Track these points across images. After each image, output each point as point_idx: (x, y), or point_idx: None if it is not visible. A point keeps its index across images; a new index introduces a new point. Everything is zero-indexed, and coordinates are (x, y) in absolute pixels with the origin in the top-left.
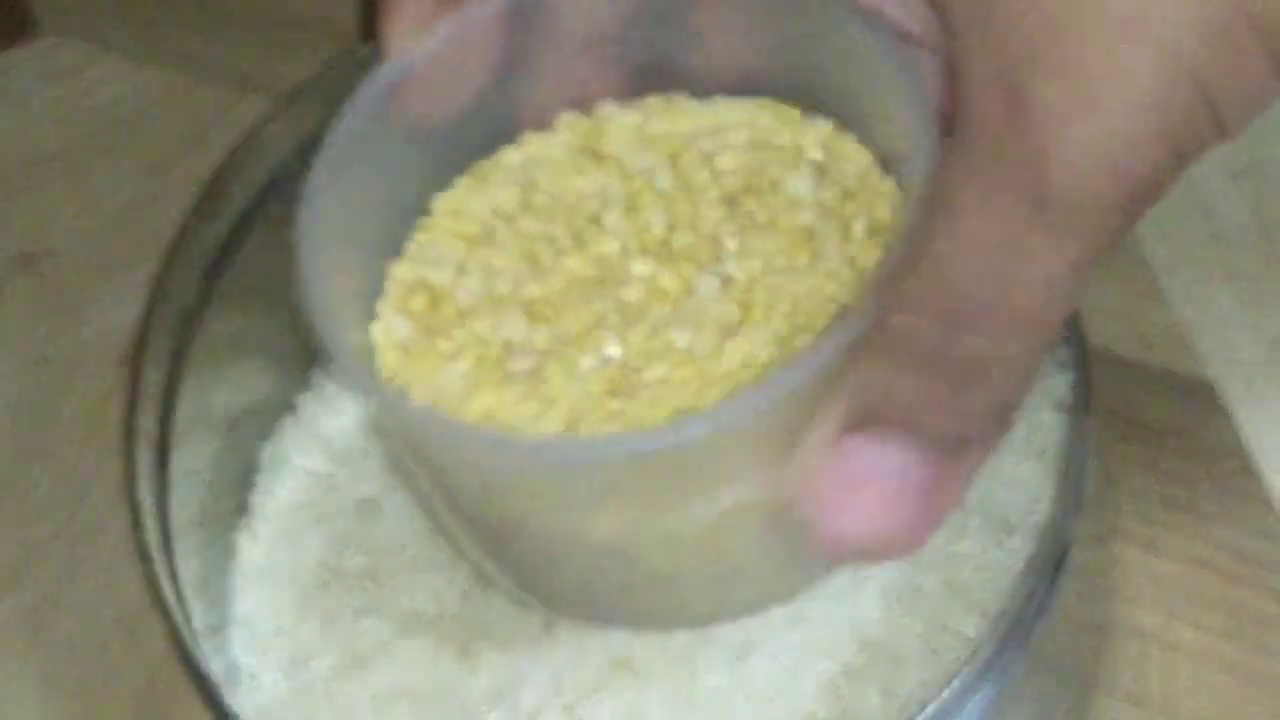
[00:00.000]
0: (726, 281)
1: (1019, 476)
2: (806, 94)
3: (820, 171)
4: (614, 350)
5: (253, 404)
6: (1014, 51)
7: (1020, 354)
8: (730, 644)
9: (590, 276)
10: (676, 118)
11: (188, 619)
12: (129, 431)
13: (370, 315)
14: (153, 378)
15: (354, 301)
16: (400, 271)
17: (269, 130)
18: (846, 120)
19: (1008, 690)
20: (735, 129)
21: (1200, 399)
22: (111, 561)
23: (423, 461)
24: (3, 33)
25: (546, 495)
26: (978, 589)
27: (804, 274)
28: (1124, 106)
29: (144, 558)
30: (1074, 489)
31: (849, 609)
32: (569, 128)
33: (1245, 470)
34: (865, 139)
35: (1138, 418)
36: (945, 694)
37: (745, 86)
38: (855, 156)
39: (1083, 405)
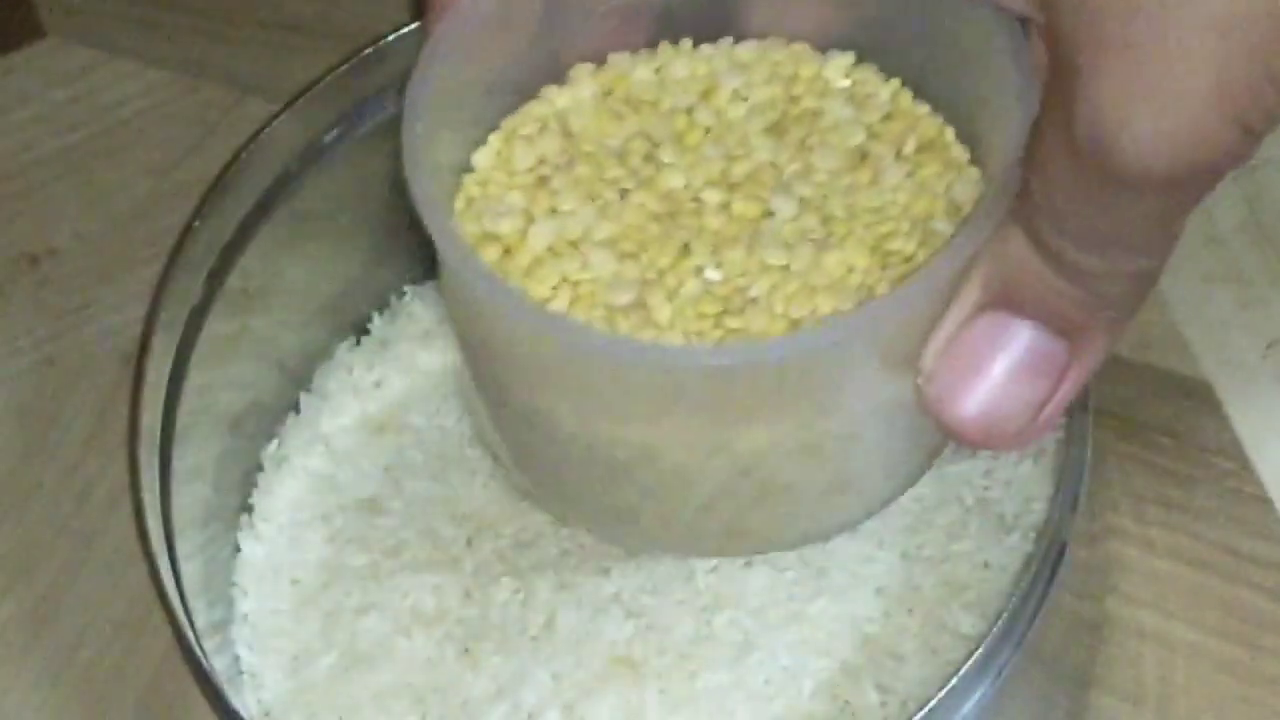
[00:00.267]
0: (801, 201)
1: (1017, 476)
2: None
3: (853, 97)
4: (714, 274)
5: (255, 404)
6: (1078, 35)
7: (1130, 274)
8: (730, 643)
9: (663, 210)
10: (692, 62)
11: (190, 618)
12: (132, 431)
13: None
14: (156, 378)
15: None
16: (468, 227)
17: (272, 132)
18: (918, 76)
19: (1006, 688)
20: (754, 66)
21: (1197, 399)
22: (114, 560)
23: (523, 379)
24: (8, 35)
25: (685, 413)
26: (976, 588)
27: (870, 189)
28: (1187, 92)
29: (147, 556)
30: (1071, 488)
31: (848, 608)
32: (590, 78)
33: (1242, 470)
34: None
35: (1135, 417)
36: (943, 692)
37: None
38: (881, 83)
39: (1080, 405)
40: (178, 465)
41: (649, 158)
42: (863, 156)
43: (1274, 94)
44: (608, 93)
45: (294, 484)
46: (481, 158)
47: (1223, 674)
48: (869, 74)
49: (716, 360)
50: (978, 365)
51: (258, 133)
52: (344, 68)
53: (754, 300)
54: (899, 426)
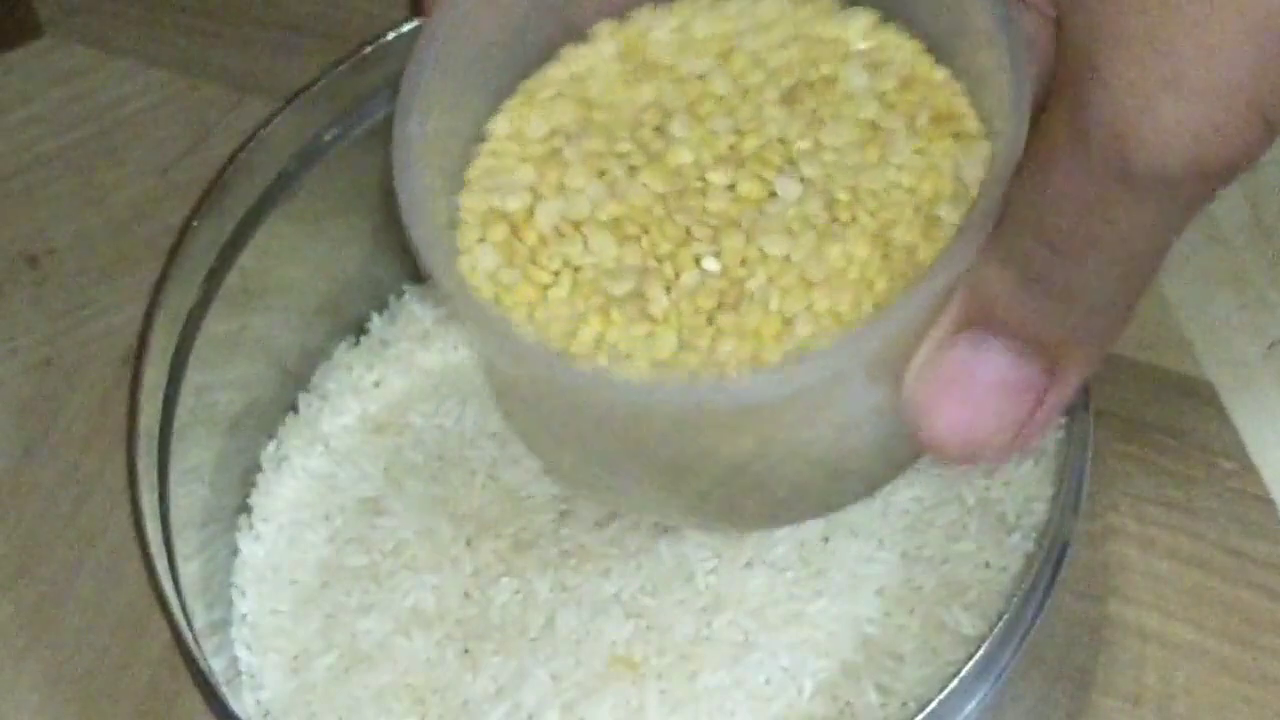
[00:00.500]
0: (805, 183)
1: (1017, 476)
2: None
3: (871, 62)
4: (712, 264)
5: (254, 404)
6: (1097, 25)
7: (1114, 291)
8: (730, 643)
9: (669, 190)
10: (716, 19)
11: (189, 618)
12: (131, 431)
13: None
14: (154, 378)
15: (445, 237)
16: (471, 202)
17: (271, 132)
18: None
19: (1006, 689)
20: (777, 24)
21: (1199, 399)
22: (113, 561)
23: (544, 402)
24: (8, 35)
25: (696, 428)
26: (976, 588)
27: (877, 169)
28: (1211, 86)
29: (145, 557)
30: (1072, 489)
31: (848, 608)
32: (610, 36)
33: (1243, 470)
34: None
35: (1136, 418)
36: (944, 693)
37: None
38: (902, 44)
39: (1081, 405)
40: (176, 465)
41: (660, 130)
42: (874, 130)
43: None
44: (627, 53)
45: (293, 484)
46: (497, 125)
47: (1223, 674)
48: (890, 35)
49: (684, 399)
50: (955, 385)
51: (256, 132)
52: (343, 67)
53: (750, 294)
54: (891, 421)
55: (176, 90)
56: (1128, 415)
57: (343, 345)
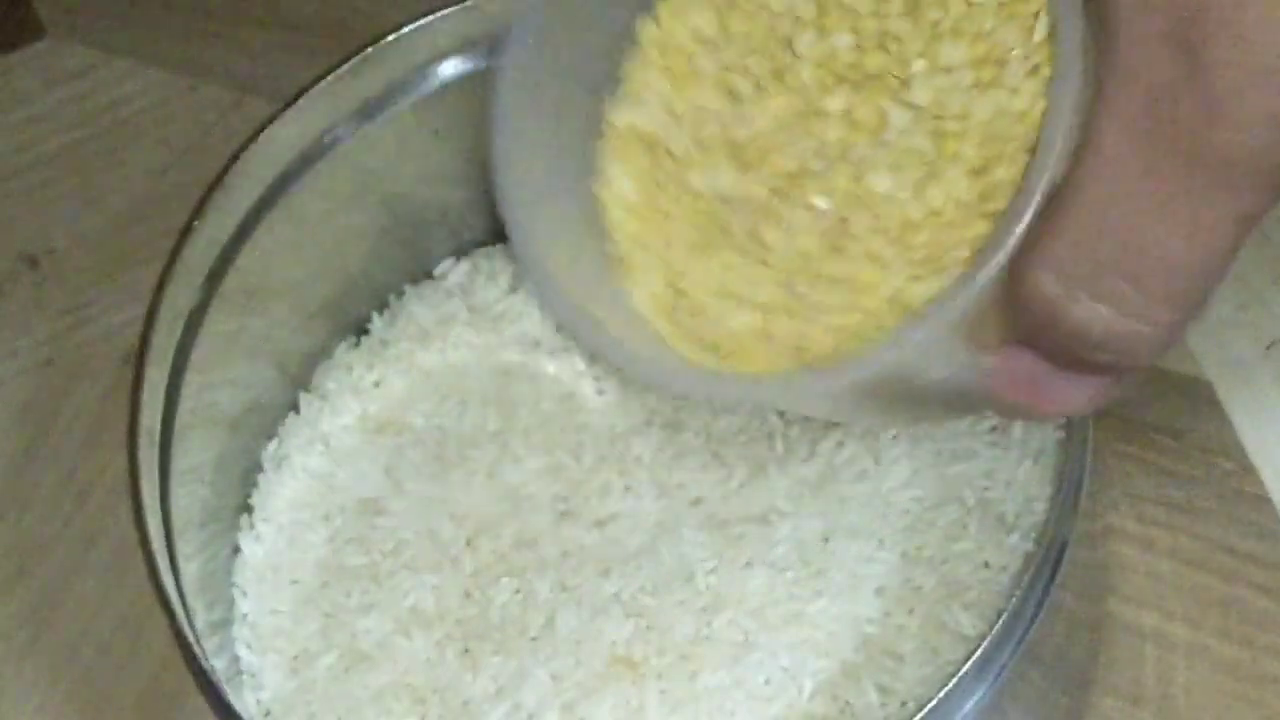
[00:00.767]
0: (917, 111)
1: (1017, 476)
2: None
3: None
4: (822, 202)
5: (254, 404)
6: (1185, 9)
7: (1166, 305)
8: (730, 643)
9: (791, 113)
10: None
11: (190, 618)
12: (132, 431)
13: (586, 163)
14: (155, 378)
15: (565, 158)
16: (616, 116)
17: (271, 132)
18: None
19: (1005, 688)
20: None
21: (1197, 399)
22: (114, 560)
23: None
24: (8, 35)
25: None
26: (976, 588)
27: (989, 91)
28: None
29: (146, 557)
30: (1072, 489)
31: (848, 608)
32: None
33: (1242, 470)
34: None
35: (1135, 417)
36: (943, 693)
37: None
38: None
39: None
40: (177, 465)
41: (787, 43)
42: (992, 47)
43: None
44: None
45: (294, 484)
46: (644, 29)
47: (1223, 674)
48: None
49: (785, 395)
50: (1031, 383)
51: (257, 133)
52: (343, 67)
53: (854, 235)
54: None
55: (176, 90)
56: (1128, 415)
57: (343, 345)
